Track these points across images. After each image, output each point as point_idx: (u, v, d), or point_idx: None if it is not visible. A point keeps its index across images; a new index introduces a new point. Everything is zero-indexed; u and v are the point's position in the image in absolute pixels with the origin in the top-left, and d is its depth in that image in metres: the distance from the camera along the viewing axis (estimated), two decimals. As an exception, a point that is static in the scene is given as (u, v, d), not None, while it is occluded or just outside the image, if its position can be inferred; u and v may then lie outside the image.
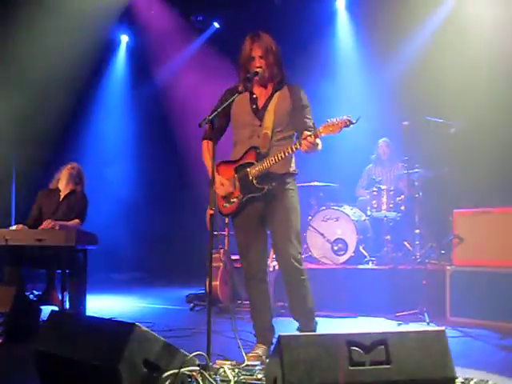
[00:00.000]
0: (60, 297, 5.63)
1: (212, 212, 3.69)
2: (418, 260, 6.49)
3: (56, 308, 5.43)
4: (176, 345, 3.22)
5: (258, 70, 4.12)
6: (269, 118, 4.16)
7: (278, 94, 4.22)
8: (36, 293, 7.19)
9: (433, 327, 5.53)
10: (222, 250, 6.87)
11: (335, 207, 7.49)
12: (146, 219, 10.78)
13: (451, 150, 7.52)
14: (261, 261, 4.34)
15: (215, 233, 6.68)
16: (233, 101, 4.10)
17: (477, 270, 5.75)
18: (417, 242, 6.84)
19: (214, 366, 3.60)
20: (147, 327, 3.05)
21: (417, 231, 6.79)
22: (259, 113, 4.20)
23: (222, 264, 6.76)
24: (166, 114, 10.91)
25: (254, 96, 4.26)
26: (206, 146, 4.34)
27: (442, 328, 2.96)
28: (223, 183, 4.24)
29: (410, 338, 2.81)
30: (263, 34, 4.20)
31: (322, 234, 7.33)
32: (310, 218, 7.64)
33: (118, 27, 10.97)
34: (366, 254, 7.38)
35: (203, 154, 4.36)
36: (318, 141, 3.96)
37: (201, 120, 3.72)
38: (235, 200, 4.23)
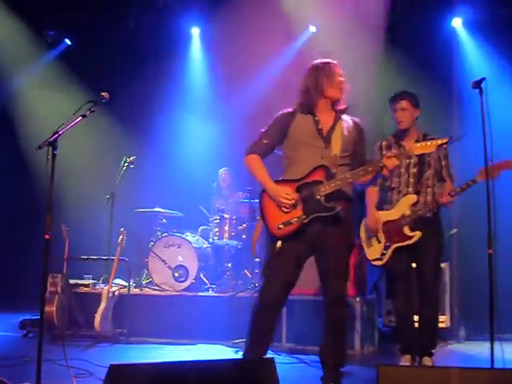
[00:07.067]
0: None
1: (48, 237, 3.61)
2: (258, 288, 6.65)
3: None
4: (5, 374, 3.10)
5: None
6: (336, 142, 4.01)
7: (342, 122, 4.11)
8: None
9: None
10: (59, 274, 6.64)
11: (177, 234, 7.53)
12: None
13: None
14: (290, 291, 4.07)
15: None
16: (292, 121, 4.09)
17: (301, 298, 5.98)
18: (256, 271, 7.03)
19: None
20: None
21: (257, 260, 6.97)
22: (325, 135, 4.04)
23: (59, 289, 6.55)
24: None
25: (317, 118, 4.08)
26: (257, 160, 4.12)
27: (271, 356, 3.08)
28: (292, 198, 3.93)
29: (239, 366, 2.90)
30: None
31: (163, 261, 7.31)
32: (151, 243, 7.62)
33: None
34: (206, 281, 7.47)
35: (253, 167, 4.12)
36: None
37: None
38: (295, 220, 3.91)
